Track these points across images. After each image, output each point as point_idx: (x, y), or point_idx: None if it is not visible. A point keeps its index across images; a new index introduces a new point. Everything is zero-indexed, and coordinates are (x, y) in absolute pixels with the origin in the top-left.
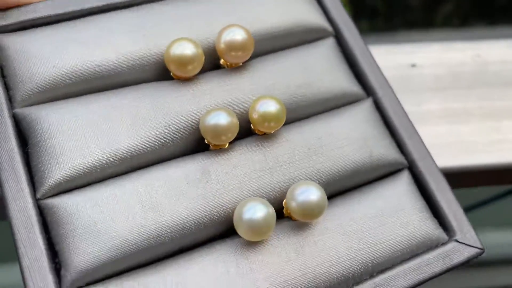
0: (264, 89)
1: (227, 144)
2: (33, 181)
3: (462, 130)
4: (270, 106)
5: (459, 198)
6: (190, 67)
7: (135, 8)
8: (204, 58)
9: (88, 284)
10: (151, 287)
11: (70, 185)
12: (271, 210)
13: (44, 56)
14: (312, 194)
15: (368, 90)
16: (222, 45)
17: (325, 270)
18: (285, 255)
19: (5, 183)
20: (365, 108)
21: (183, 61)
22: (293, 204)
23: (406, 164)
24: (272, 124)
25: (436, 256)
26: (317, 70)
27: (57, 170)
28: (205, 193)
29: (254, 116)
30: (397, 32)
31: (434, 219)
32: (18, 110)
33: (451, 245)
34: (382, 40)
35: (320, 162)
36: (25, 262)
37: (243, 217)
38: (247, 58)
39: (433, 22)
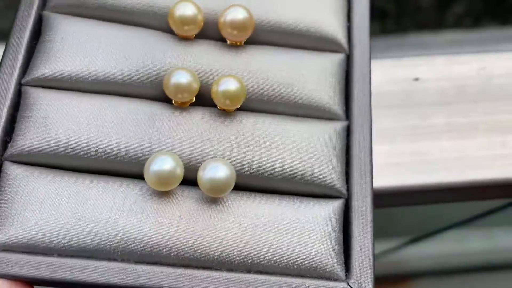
0: (247, 72)
1: (188, 104)
2: (26, 67)
3: (467, 144)
4: (231, 85)
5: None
6: (186, 27)
7: None
8: (203, 23)
9: (22, 163)
10: (73, 188)
11: (49, 83)
12: (180, 169)
13: None
14: (220, 171)
15: (348, 114)
16: (221, 20)
17: (206, 243)
18: (178, 214)
19: (5, 62)
20: (333, 129)
21: (183, 21)
22: (200, 175)
23: (344, 194)
24: (227, 102)
25: (319, 286)
26: (306, 75)
27: (44, 67)
28: (141, 134)
29: (214, 90)
30: (407, 34)
31: (341, 255)
32: (46, 13)
33: (341, 285)
34: (392, 42)
35: (256, 155)
36: None
37: (151, 166)
38: (243, 38)
39: (444, 23)
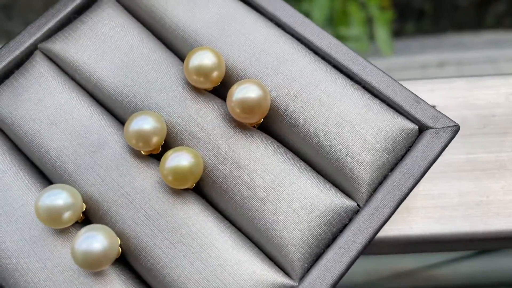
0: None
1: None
2: (52, 34)
3: (493, 187)
4: (183, 160)
5: None
6: (195, 77)
7: None
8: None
9: None
10: None
11: (55, 59)
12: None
13: None
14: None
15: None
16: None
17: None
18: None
19: (36, 22)
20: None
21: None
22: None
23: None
24: (170, 178)
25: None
26: (285, 199)
27: (61, 43)
28: (80, 157)
29: (162, 165)
30: (445, 34)
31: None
32: None
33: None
34: (428, 43)
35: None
36: None
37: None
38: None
39: (484, 23)
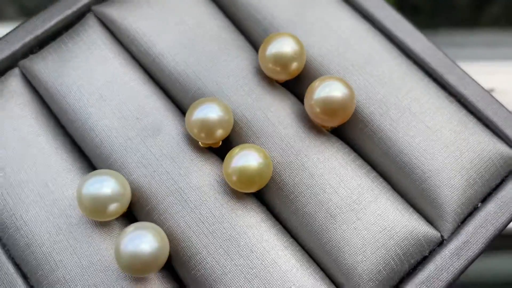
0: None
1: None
2: None
3: None
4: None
5: None
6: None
7: None
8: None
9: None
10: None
11: (109, 24)
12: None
13: None
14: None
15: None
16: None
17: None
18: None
19: None
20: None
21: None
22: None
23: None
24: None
25: None
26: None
27: (116, 9)
28: (130, 141)
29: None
30: (438, 31)
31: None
32: None
33: None
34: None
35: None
36: None
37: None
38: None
39: (480, 22)
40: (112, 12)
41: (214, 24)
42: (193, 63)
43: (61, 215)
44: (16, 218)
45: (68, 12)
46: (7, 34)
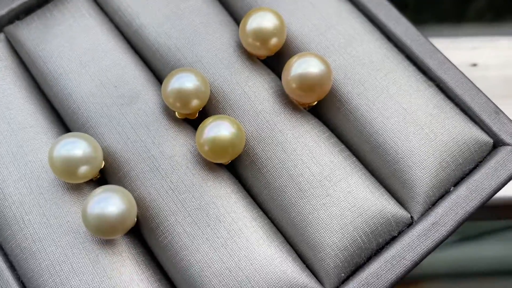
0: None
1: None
2: None
3: None
4: (223, 130)
5: None
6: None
7: None
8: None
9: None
10: None
11: None
12: None
13: None
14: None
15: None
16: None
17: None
18: None
19: None
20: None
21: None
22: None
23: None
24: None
25: None
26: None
27: None
28: (106, 106)
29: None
30: (426, 26)
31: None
32: None
33: None
34: None
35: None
36: None
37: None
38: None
39: (465, 16)
40: None
41: (198, 0)
42: (175, 36)
43: (33, 177)
44: None
45: None
46: None
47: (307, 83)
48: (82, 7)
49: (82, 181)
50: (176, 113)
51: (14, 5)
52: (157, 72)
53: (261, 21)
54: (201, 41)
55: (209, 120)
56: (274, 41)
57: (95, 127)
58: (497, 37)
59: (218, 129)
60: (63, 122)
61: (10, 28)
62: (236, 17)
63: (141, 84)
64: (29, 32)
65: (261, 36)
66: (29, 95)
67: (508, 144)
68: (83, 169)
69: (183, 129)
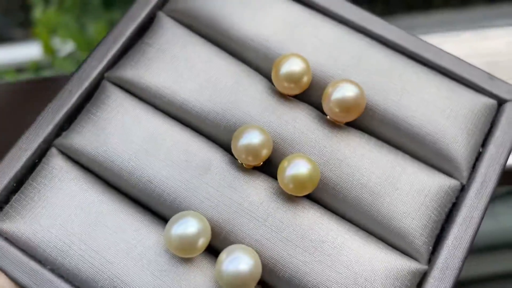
0: (331, 158)
1: (252, 167)
2: (117, 61)
3: None
4: (302, 168)
5: None
6: (286, 85)
7: None
8: (307, 86)
9: (66, 155)
10: (98, 207)
11: (128, 87)
12: (205, 238)
13: None
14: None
15: (431, 259)
16: (328, 92)
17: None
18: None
19: (98, 50)
20: (405, 272)
21: (286, 78)
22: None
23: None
24: (290, 186)
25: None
26: (399, 192)
27: (131, 69)
28: (186, 180)
29: (281, 166)
30: (396, 16)
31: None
32: (161, 13)
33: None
34: None
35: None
36: None
37: (173, 227)
38: (346, 120)
39: (432, 3)
40: (127, 74)
41: (222, 62)
42: (218, 100)
43: (151, 264)
44: (113, 280)
45: (86, 84)
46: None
47: (347, 105)
48: (122, 102)
49: (200, 252)
50: (244, 164)
51: (57, 118)
52: (212, 136)
53: (289, 66)
54: (241, 98)
55: (285, 163)
56: (305, 79)
57: (186, 202)
58: (460, 31)
59: (297, 167)
60: (146, 207)
61: (61, 140)
62: (255, 67)
63: (207, 151)
64: (83, 139)
65: (294, 78)
66: (107, 196)
67: (509, 100)
68: (200, 242)
69: (257, 176)
